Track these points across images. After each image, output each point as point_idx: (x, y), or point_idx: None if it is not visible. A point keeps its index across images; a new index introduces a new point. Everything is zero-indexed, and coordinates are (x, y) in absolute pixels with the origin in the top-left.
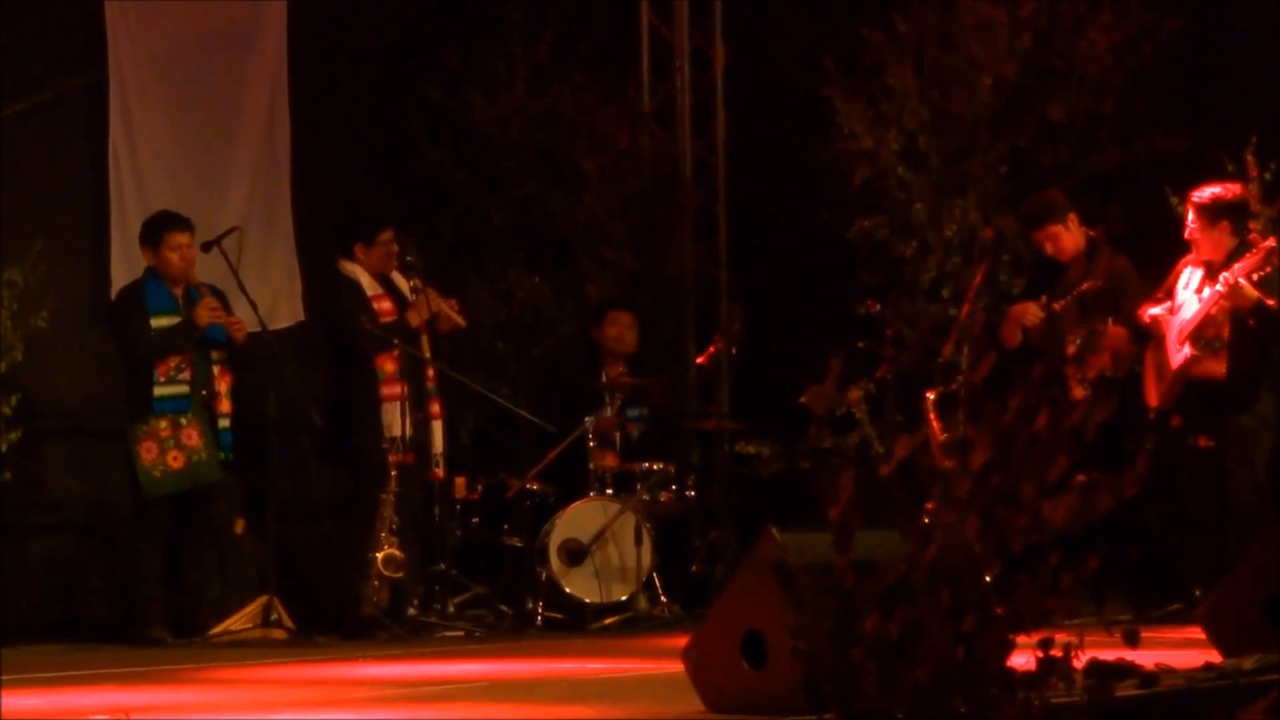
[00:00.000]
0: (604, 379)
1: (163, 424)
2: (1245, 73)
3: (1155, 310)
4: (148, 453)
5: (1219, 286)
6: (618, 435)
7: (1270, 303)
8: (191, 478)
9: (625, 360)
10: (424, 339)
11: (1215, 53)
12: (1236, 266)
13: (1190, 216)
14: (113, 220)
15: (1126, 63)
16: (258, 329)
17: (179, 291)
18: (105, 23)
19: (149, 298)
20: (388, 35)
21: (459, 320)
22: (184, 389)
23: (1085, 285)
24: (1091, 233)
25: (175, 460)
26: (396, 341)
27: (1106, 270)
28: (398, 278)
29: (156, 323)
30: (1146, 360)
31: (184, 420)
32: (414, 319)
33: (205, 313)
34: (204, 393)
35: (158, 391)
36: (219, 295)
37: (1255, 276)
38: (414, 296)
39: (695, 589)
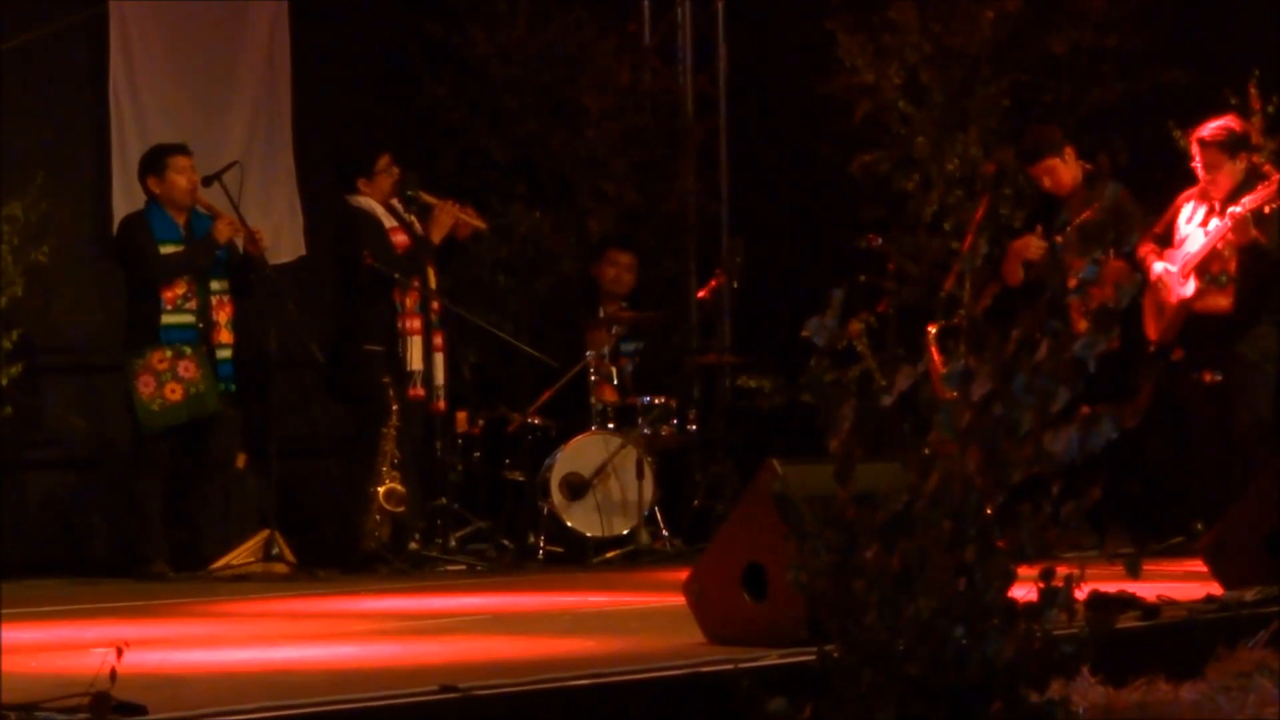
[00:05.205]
0: (601, 314)
1: (160, 356)
2: (1248, 5)
3: (1159, 266)
4: (145, 387)
5: (1226, 220)
6: (613, 370)
7: (1264, 240)
8: (189, 410)
9: (622, 299)
10: (430, 271)
11: None
12: (1246, 200)
13: (1201, 155)
14: (113, 155)
15: None
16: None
17: (182, 220)
18: None
19: (154, 225)
20: None
21: (479, 223)
22: (190, 318)
23: (1085, 214)
24: (1089, 166)
25: (173, 393)
26: (397, 276)
27: (1106, 202)
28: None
29: (163, 250)
30: (1145, 295)
31: (188, 350)
32: (436, 234)
33: (225, 227)
34: (201, 325)
35: (165, 320)
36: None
37: (1267, 210)
38: (431, 212)
39: (696, 522)
